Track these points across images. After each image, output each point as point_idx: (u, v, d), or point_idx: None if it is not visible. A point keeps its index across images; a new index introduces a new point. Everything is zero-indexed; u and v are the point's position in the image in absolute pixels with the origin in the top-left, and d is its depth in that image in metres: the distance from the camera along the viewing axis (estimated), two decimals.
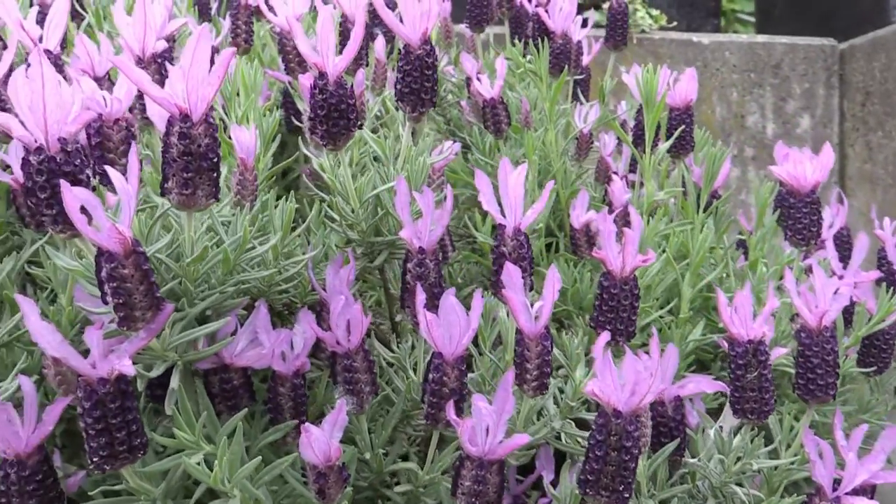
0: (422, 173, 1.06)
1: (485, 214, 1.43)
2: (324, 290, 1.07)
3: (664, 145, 1.48)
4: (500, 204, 1.02)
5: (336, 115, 0.97)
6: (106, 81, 1.26)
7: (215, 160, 0.82)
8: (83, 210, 0.77)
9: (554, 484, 1.12)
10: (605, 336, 0.89)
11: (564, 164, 1.60)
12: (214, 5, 2.01)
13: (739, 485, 1.07)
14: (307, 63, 1.39)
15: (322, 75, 0.96)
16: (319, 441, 0.84)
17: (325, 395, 1.10)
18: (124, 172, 0.89)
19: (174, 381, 0.87)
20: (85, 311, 0.86)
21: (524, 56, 1.76)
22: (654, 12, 3.61)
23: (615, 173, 1.63)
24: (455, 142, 1.32)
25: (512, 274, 0.95)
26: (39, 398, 0.89)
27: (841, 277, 1.41)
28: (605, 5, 1.88)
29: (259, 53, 1.67)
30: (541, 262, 1.52)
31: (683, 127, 1.51)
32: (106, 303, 0.79)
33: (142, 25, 1.09)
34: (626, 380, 0.86)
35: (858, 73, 3.43)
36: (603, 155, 1.67)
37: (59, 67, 1.07)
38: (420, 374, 1.08)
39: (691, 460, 1.09)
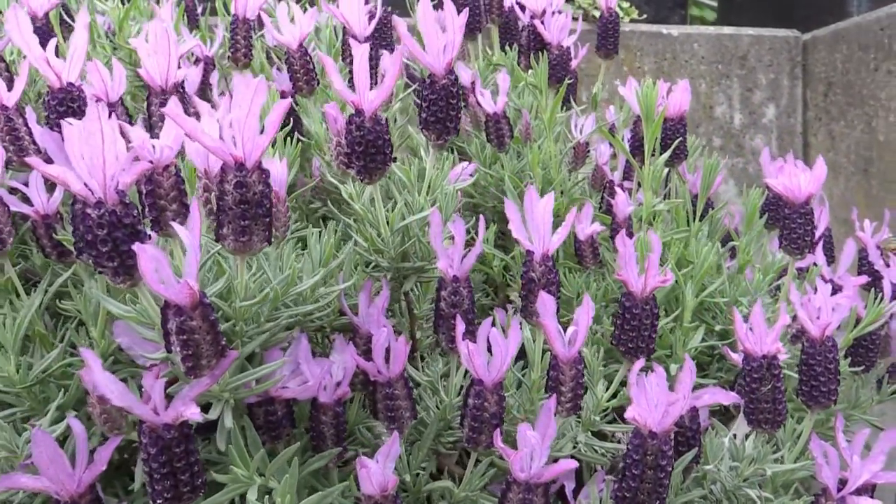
0: (451, 202, 1.10)
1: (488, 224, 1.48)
2: (355, 315, 1.11)
3: (663, 157, 1.54)
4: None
5: (373, 150, 1.00)
6: (119, 107, 1.26)
7: (269, 206, 0.84)
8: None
9: (575, 493, 1.19)
10: (639, 363, 0.95)
11: (563, 173, 1.65)
12: (200, 7, 2.00)
13: (752, 488, 1.16)
14: (312, 83, 1.41)
15: (359, 112, 0.99)
16: (376, 473, 0.88)
17: (356, 416, 1.14)
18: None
19: (227, 420, 0.89)
20: (140, 356, 0.88)
21: (518, 64, 1.80)
22: (625, 5, 3.68)
23: (613, 182, 1.69)
24: (470, 162, 1.35)
25: (546, 302, 1.00)
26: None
27: (831, 281, 1.50)
28: (597, 13, 1.93)
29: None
30: None
31: (680, 139, 1.57)
32: (170, 351, 0.81)
33: (165, 56, 1.10)
34: (658, 401, 0.93)
35: (821, 63, 3.57)
36: (599, 163, 1.73)
37: (83, 101, 1.07)
38: (450, 395, 1.12)
39: (708, 466, 1.16)
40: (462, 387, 1.13)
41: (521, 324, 1.15)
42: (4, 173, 1.12)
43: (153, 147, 0.87)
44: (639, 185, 1.65)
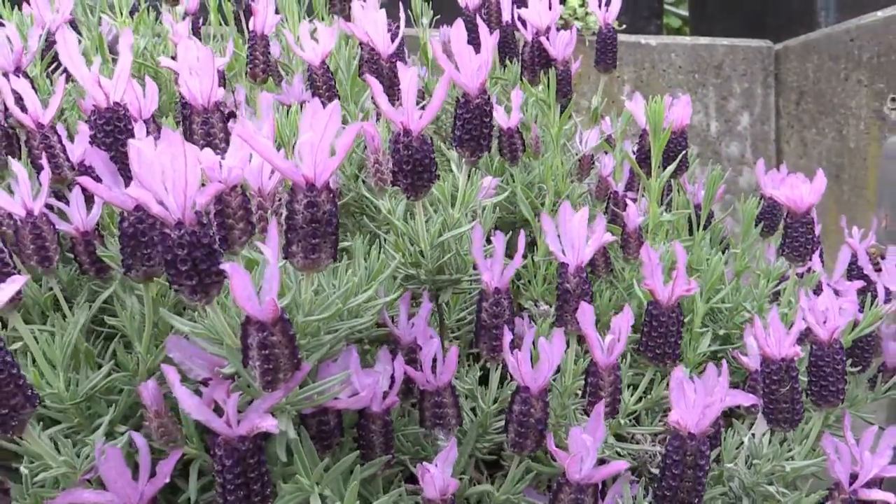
0: (489, 217, 1.16)
1: None
2: (395, 326, 1.16)
3: (668, 169, 1.62)
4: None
5: (420, 169, 1.05)
6: (151, 124, 1.29)
7: (336, 224, 0.89)
8: (207, 274, 0.84)
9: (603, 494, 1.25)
10: (678, 370, 1.01)
11: (571, 185, 1.72)
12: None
13: (770, 484, 1.23)
14: (333, 99, 1.46)
15: (406, 132, 1.04)
16: (438, 478, 0.93)
17: (395, 424, 1.19)
18: (240, 237, 0.95)
19: (291, 431, 0.93)
20: (191, 370, 0.92)
21: (521, 79, 1.87)
22: None
23: (617, 192, 1.77)
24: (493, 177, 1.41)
25: (586, 312, 1.06)
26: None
27: (828, 286, 1.59)
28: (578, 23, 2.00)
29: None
30: (555, 280, 1.64)
31: (685, 152, 1.65)
32: (246, 366, 0.85)
33: (209, 77, 1.13)
34: (696, 404, 1.00)
35: (792, 73, 3.72)
36: (603, 175, 1.81)
37: (128, 120, 1.10)
38: (488, 402, 1.18)
39: (729, 465, 1.24)
40: (497, 395, 1.19)
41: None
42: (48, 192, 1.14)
43: (222, 168, 0.91)
44: (643, 195, 1.73)
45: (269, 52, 1.61)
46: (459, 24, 1.14)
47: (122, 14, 1.74)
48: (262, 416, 0.85)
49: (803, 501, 1.21)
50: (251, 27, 1.60)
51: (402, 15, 1.60)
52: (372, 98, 1.46)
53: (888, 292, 1.57)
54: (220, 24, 2.23)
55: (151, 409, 1.01)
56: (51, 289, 1.19)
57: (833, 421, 1.56)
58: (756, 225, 1.84)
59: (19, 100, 1.24)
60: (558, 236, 1.14)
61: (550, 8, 1.76)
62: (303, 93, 1.67)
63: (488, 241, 1.18)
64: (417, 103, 1.10)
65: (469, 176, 1.21)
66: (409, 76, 1.02)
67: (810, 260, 1.54)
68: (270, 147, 0.86)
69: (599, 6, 1.85)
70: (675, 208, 1.78)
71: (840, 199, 3.52)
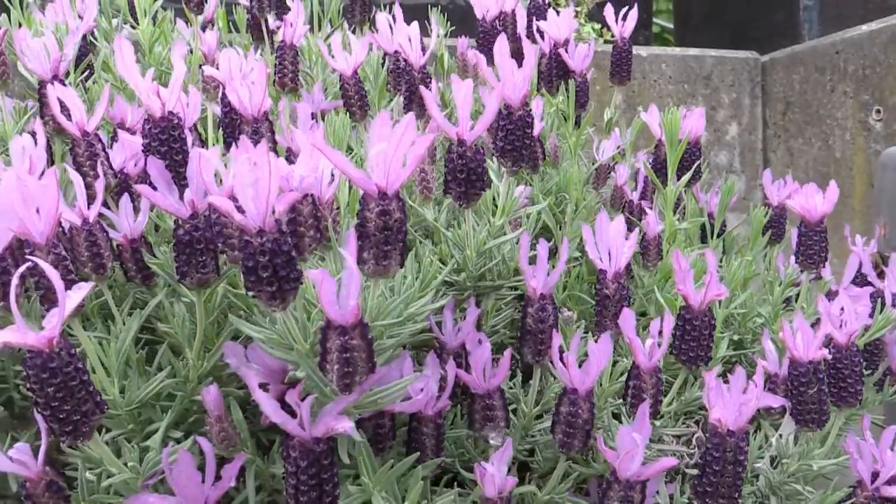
0: (533, 225, 1.21)
1: None
2: (440, 331, 1.20)
3: (684, 178, 1.69)
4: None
5: (474, 178, 1.09)
6: (192, 132, 1.32)
7: (405, 232, 0.93)
8: (278, 279, 0.87)
9: None
10: (714, 371, 1.07)
11: (589, 193, 1.78)
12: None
13: (797, 483, 1.29)
14: (364, 108, 1.49)
15: (461, 142, 1.08)
16: (496, 477, 0.97)
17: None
18: (311, 244, 0.98)
19: (356, 433, 0.96)
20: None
21: (538, 90, 1.92)
22: (597, 26, 3.87)
23: (632, 201, 1.83)
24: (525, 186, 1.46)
25: (627, 318, 1.11)
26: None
27: (836, 293, 1.67)
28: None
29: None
30: (576, 287, 1.69)
31: (699, 162, 1.72)
32: (323, 369, 0.88)
33: (261, 88, 1.16)
34: (734, 402, 1.05)
35: (779, 84, 3.84)
36: (618, 184, 1.87)
37: (181, 129, 1.13)
38: (530, 405, 1.22)
39: (758, 464, 1.30)
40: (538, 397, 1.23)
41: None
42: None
43: (296, 177, 0.94)
44: (658, 204, 1.79)
45: (298, 62, 1.64)
46: (503, 39, 1.19)
47: (143, 21, 1.75)
48: (337, 419, 0.88)
49: (829, 499, 1.27)
50: (281, 37, 1.63)
51: (433, 28, 1.65)
52: (402, 107, 1.50)
53: (895, 298, 1.65)
54: (229, 31, 2.25)
55: (213, 413, 1.04)
56: (97, 296, 1.20)
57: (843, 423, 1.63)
58: (763, 233, 1.91)
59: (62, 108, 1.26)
60: (595, 244, 1.19)
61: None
62: (322, 101, 1.70)
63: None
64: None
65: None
66: (463, 90, 1.06)
67: (823, 267, 1.62)
68: (343, 157, 0.89)
69: (616, 21, 1.91)
70: (687, 216, 1.85)
71: None
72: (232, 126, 1.28)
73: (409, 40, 1.44)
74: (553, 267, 1.14)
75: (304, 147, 0.93)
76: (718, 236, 1.75)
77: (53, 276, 0.89)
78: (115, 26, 1.82)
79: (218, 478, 0.98)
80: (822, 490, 1.35)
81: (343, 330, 0.84)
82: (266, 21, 1.99)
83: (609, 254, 1.19)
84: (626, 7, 1.96)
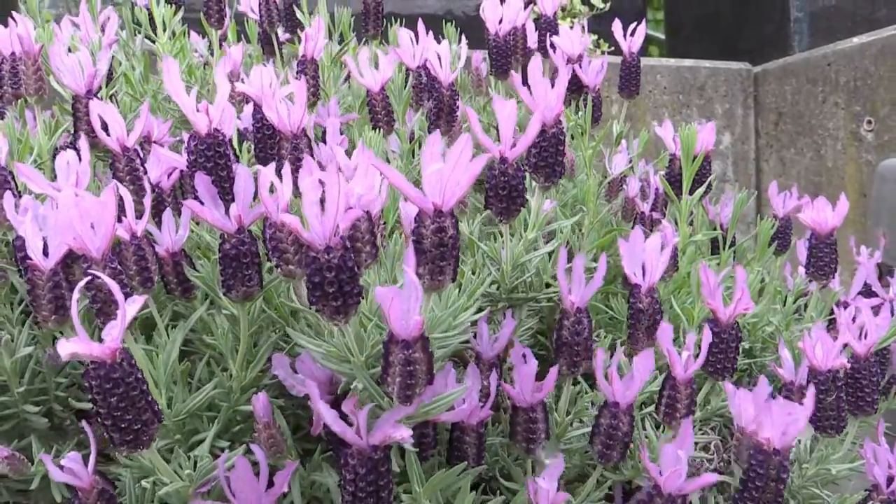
0: (566, 239, 1.25)
1: None
2: (477, 342, 1.24)
3: (698, 191, 1.74)
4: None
5: (515, 194, 1.14)
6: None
7: (458, 248, 0.97)
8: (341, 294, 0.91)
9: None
10: (764, 385, 1.12)
11: (602, 206, 1.83)
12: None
13: (815, 487, 1.35)
14: (391, 124, 1.54)
15: (503, 160, 1.13)
16: (550, 491, 1.02)
17: None
18: (367, 260, 1.02)
19: (408, 442, 1.00)
20: (293, 386, 0.99)
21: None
22: (593, 37, 3.95)
23: (644, 213, 1.88)
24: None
25: (665, 330, 1.16)
26: None
27: (846, 303, 1.74)
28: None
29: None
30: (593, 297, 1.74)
31: (712, 175, 1.78)
32: (384, 381, 0.92)
33: (301, 106, 1.20)
34: (776, 423, 1.10)
35: (771, 95, 3.93)
36: (629, 196, 1.92)
37: (226, 146, 1.16)
38: (562, 415, 1.26)
39: None
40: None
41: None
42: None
43: (354, 195, 0.98)
44: (670, 216, 1.85)
45: (319, 76, 1.68)
46: (538, 59, 1.24)
47: (163, 35, 1.78)
48: (395, 427, 0.92)
49: (846, 502, 1.33)
50: (301, 52, 1.67)
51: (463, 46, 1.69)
52: (429, 122, 1.55)
53: None
54: (238, 41, 2.28)
55: (262, 420, 1.07)
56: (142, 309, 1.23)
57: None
58: (769, 245, 1.97)
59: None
60: (629, 259, 1.24)
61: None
62: (337, 114, 1.74)
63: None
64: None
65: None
66: (508, 110, 1.11)
67: (833, 278, 1.68)
68: (401, 175, 0.94)
69: (625, 37, 1.97)
70: (696, 228, 1.91)
71: None
72: (263, 141, 1.31)
73: (439, 58, 1.48)
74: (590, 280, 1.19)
75: (362, 165, 0.97)
76: (730, 247, 1.81)
77: (115, 289, 0.92)
78: (135, 40, 1.84)
79: (269, 484, 1.01)
80: (838, 494, 1.41)
81: (406, 344, 0.88)
82: (276, 35, 2.03)
83: (643, 268, 1.24)
84: (636, 22, 2.02)
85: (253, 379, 1.20)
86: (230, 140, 1.31)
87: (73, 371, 1.24)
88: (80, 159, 1.17)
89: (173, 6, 1.79)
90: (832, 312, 1.75)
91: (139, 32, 1.80)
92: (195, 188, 1.11)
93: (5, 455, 1.10)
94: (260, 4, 1.91)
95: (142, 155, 1.30)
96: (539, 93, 1.23)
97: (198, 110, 1.13)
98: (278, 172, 1.21)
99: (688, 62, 4.03)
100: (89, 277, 0.98)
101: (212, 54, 1.95)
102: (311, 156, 1.25)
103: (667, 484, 1.04)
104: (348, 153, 1.19)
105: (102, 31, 1.71)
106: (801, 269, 1.91)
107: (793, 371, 1.51)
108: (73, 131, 1.39)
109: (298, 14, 2.04)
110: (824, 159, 3.67)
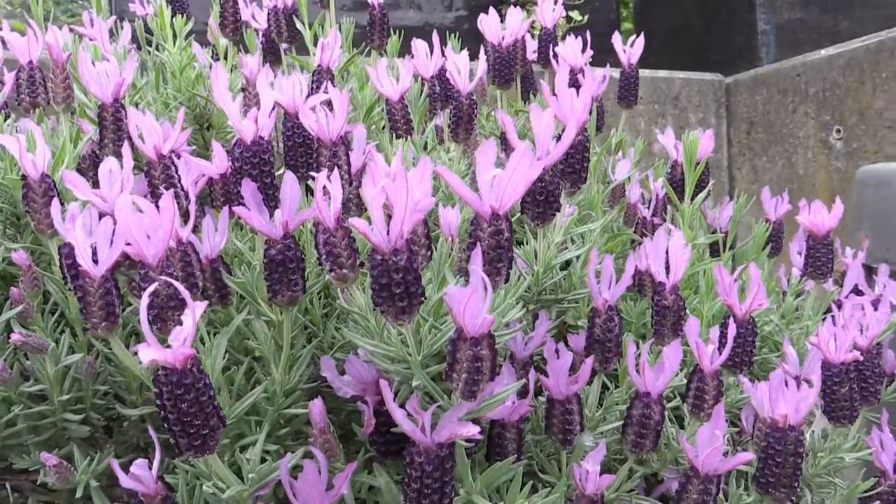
0: (596, 241, 1.31)
1: None
2: (512, 341, 1.29)
3: (700, 196, 1.82)
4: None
5: (551, 199, 1.19)
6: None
7: (512, 248, 1.02)
8: (402, 295, 0.95)
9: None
10: (779, 374, 1.19)
11: (607, 212, 1.90)
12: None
13: (828, 475, 1.43)
14: (410, 132, 1.58)
15: None
16: (594, 474, 1.07)
17: None
18: (422, 262, 1.06)
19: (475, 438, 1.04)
20: (340, 388, 1.03)
21: None
22: None
23: (646, 218, 1.96)
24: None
25: (692, 325, 1.23)
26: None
27: (840, 302, 1.83)
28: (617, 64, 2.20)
29: None
30: None
31: (711, 182, 1.86)
32: (450, 378, 0.96)
33: (342, 116, 1.24)
34: (789, 401, 1.18)
35: (743, 105, 4.08)
36: (631, 202, 2.00)
37: (270, 153, 1.19)
38: (592, 409, 1.32)
39: None
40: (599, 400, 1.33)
41: None
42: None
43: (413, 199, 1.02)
44: (670, 220, 1.93)
45: (335, 86, 1.71)
46: (564, 69, 1.30)
47: (173, 46, 1.80)
48: (462, 424, 0.96)
49: (859, 489, 1.41)
50: (317, 61, 1.70)
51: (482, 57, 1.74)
52: (448, 127, 1.60)
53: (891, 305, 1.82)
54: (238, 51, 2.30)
55: (318, 425, 1.10)
56: None
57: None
58: (763, 248, 2.07)
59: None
60: (654, 258, 1.31)
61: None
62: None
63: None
64: None
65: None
66: (545, 119, 1.16)
67: (830, 277, 1.78)
68: (462, 181, 0.98)
69: (623, 49, 2.05)
70: (694, 231, 1.99)
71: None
72: (294, 149, 1.34)
73: (458, 69, 1.53)
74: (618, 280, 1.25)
75: (422, 170, 1.01)
76: (729, 249, 1.89)
77: (186, 294, 0.95)
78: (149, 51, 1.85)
79: (329, 486, 1.04)
80: (847, 482, 1.49)
81: (475, 341, 0.93)
82: (282, 44, 2.06)
83: (667, 267, 1.30)
84: (634, 35, 2.10)
85: (294, 383, 1.22)
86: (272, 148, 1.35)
87: (112, 379, 1.25)
88: (121, 167, 1.19)
89: (184, 16, 1.80)
90: (828, 310, 1.84)
91: (151, 43, 1.81)
92: (239, 194, 1.14)
93: (53, 463, 1.11)
94: (269, 15, 1.93)
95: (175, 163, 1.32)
96: (565, 102, 1.29)
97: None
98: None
99: (662, 73, 4.16)
100: (155, 284, 1.00)
101: (215, 61, 1.97)
102: (349, 162, 1.29)
103: (705, 463, 1.10)
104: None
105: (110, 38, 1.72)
106: (795, 270, 2.01)
107: (797, 366, 1.60)
108: (99, 139, 1.40)
109: (298, 25, 2.07)
110: (795, 167, 3.82)
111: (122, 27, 1.83)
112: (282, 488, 1.19)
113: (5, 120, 1.42)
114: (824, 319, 1.83)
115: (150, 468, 1.01)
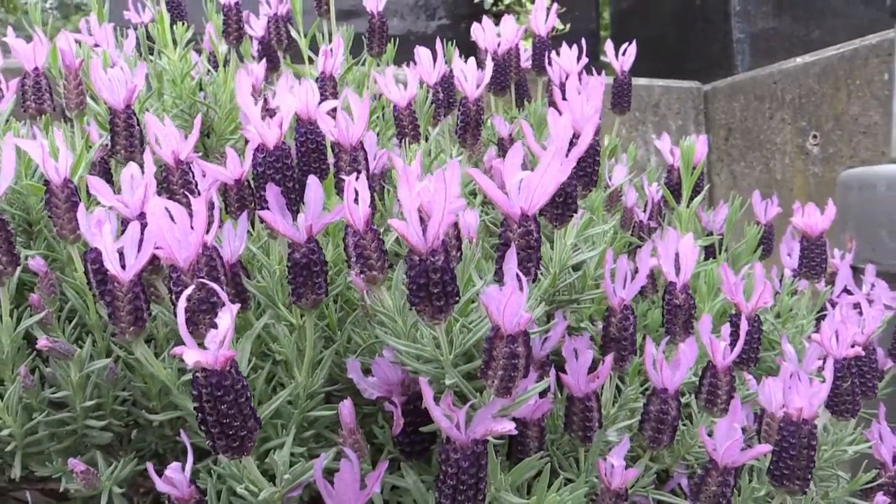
0: (609, 242, 1.35)
1: None
2: None
3: (696, 199, 1.88)
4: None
5: (570, 201, 1.23)
6: None
7: (540, 248, 1.05)
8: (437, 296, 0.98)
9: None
10: (789, 368, 1.24)
11: (605, 216, 1.95)
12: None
13: (831, 468, 1.48)
14: (417, 137, 1.61)
15: None
16: (620, 468, 1.10)
17: None
18: (454, 261, 1.09)
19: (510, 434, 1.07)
20: (366, 389, 1.05)
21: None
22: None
23: (642, 222, 2.01)
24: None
25: (705, 322, 1.27)
26: None
27: (832, 301, 1.90)
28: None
29: None
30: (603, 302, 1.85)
31: (707, 185, 1.92)
32: (485, 376, 0.99)
33: (362, 122, 1.26)
34: (802, 395, 1.23)
35: (721, 112, 4.18)
36: (627, 206, 2.05)
37: (290, 158, 1.21)
38: (608, 407, 1.36)
39: None
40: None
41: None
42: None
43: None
44: (667, 223, 1.98)
45: (338, 93, 1.74)
46: (574, 77, 1.34)
47: (174, 53, 1.80)
48: (497, 421, 0.98)
49: (861, 480, 1.47)
50: (321, 68, 1.73)
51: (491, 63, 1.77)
52: (456, 132, 1.63)
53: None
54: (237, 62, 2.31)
55: (347, 426, 1.12)
56: None
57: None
58: (756, 249, 2.13)
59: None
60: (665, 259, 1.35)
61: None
62: None
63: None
64: None
65: None
66: (562, 123, 1.20)
67: (824, 276, 1.84)
68: (493, 183, 1.01)
69: (616, 56, 2.11)
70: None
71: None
72: (308, 155, 1.36)
73: (465, 76, 1.57)
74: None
75: (453, 174, 1.03)
76: (725, 251, 1.95)
77: (223, 296, 0.96)
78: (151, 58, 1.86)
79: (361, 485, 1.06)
80: (848, 474, 1.55)
81: (512, 338, 0.95)
82: (281, 52, 2.08)
83: (679, 267, 1.35)
84: (627, 43, 2.17)
85: (317, 386, 1.24)
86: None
87: (133, 385, 1.26)
88: (143, 172, 1.20)
89: (184, 24, 1.81)
90: (821, 309, 1.91)
91: (151, 51, 1.82)
92: (262, 199, 1.16)
93: (81, 470, 1.11)
94: (268, 23, 1.95)
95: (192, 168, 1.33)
96: (575, 108, 1.33)
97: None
98: (339, 183, 1.27)
99: (642, 81, 4.24)
100: (191, 287, 1.01)
101: (214, 69, 1.99)
102: (368, 167, 1.31)
103: (724, 456, 1.14)
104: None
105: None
106: (787, 271, 2.07)
107: (796, 363, 1.65)
108: (111, 146, 1.41)
109: (293, 33, 2.09)
110: (773, 172, 3.93)
111: (125, 34, 1.83)
112: (307, 490, 1.21)
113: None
114: (818, 318, 1.91)
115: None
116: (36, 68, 1.51)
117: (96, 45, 1.75)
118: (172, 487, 1.02)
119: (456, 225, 1.10)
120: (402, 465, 1.17)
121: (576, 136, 1.34)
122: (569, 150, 1.32)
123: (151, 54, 1.90)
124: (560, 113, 1.21)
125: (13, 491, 1.38)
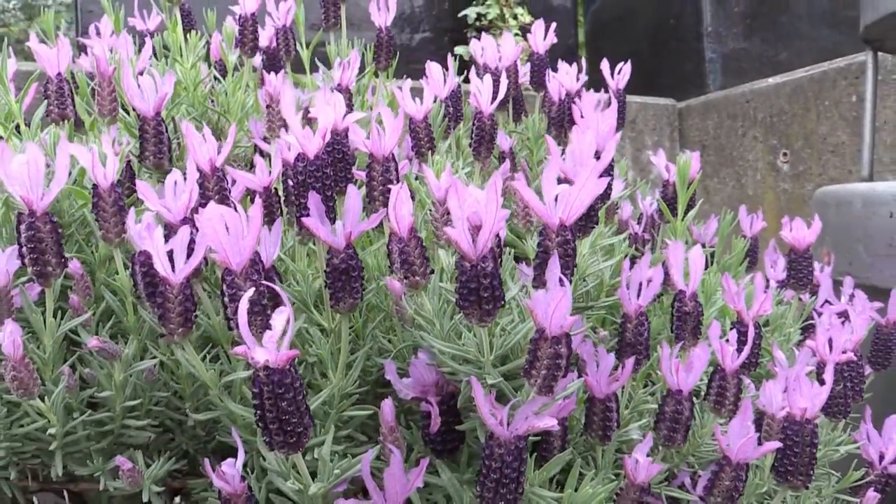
0: (622, 251, 1.44)
1: None
2: None
3: (691, 213, 1.99)
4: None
5: (592, 213, 1.32)
6: None
7: (576, 256, 1.14)
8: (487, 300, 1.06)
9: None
10: (795, 369, 1.34)
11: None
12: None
13: (823, 467, 1.60)
14: (432, 148, 1.69)
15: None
16: (646, 464, 1.19)
17: None
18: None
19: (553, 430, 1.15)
20: (401, 390, 1.12)
21: (549, 133, 2.18)
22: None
23: (637, 234, 2.12)
24: None
25: (715, 329, 1.37)
26: None
27: (816, 311, 2.03)
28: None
29: None
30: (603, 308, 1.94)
31: (700, 200, 2.04)
32: (529, 375, 1.06)
33: (395, 135, 1.34)
34: (805, 395, 1.33)
35: (695, 129, 4.35)
36: (623, 218, 2.15)
37: (327, 167, 1.27)
38: (621, 408, 1.44)
39: None
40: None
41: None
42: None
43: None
44: (661, 235, 2.09)
45: (353, 105, 1.81)
46: (591, 95, 1.43)
47: (187, 62, 1.85)
48: (540, 417, 1.06)
49: (851, 478, 1.58)
50: (337, 80, 1.80)
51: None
52: (470, 146, 1.71)
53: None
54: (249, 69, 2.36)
55: (388, 424, 1.19)
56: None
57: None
58: (742, 263, 2.26)
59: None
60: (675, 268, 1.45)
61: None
62: None
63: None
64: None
65: None
66: (588, 138, 1.29)
67: (810, 287, 1.97)
68: (535, 195, 1.10)
69: (612, 75, 2.22)
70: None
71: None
72: (334, 165, 1.43)
73: (480, 91, 1.65)
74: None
75: (497, 186, 1.11)
76: (716, 263, 2.07)
77: (284, 296, 1.03)
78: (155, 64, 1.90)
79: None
80: (839, 472, 1.67)
81: (556, 340, 1.03)
82: (288, 63, 2.13)
83: (688, 276, 1.45)
84: (622, 62, 2.28)
85: (352, 387, 1.30)
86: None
87: (172, 385, 1.30)
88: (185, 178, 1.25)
89: (197, 32, 1.86)
90: (808, 318, 2.03)
91: (168, 59, 1.86)
92: (303, 206, 1.23)
93: (128, 468, 1.15)
94: (277, 34, 2.01)
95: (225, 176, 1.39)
96: (591, 124, 1.42)
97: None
98: (370, 192, 1.34)
99: None
100: (254, 289, 1.07)
101: (222, 77, 2.03)
102: (398, 177, 1.38)
103: (738, 452, 1.23)
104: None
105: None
106: (773, 282, 2.20)
107: (787, 368, 1.77)
108: (140, 152, 1.45)
109: (298, 46, 2.16)
110: (745, 188, 4.10)
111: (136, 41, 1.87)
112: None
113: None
114: (803, 328, 2.03)
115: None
116: (59, 73, 1.55)
117: (110, 51, 1.78)
118: (226, 483, 1.07)
119: (498, 235, 1.17)
120: (438, 463, 1.23)
121: (597, 153, 1.44)
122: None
123: (158, 61, 1.94)
124: (580, 129, 1.30)
125: (36, 492, 1.41)
